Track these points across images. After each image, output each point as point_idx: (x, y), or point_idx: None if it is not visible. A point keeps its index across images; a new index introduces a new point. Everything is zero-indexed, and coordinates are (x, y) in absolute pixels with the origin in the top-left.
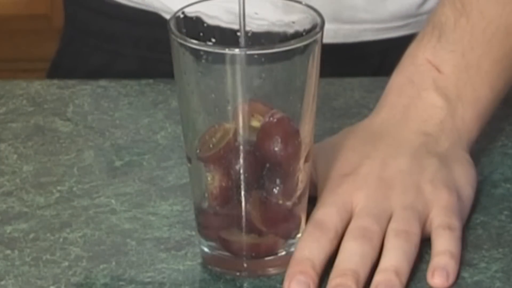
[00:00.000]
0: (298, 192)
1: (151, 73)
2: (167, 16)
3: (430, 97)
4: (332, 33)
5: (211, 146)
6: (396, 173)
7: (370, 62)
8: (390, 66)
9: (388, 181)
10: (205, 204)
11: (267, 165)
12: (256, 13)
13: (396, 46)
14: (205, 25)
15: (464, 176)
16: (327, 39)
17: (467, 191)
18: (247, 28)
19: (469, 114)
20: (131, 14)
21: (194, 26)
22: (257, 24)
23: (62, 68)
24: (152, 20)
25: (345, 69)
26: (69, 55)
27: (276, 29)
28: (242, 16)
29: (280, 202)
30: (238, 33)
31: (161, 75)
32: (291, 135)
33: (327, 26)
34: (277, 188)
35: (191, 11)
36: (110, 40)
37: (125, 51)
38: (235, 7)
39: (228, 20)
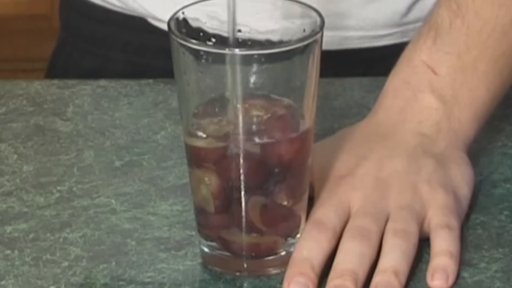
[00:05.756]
0: (299, 192)
1: (139, 77)
2: (154, 22)
3: (426, 99)
4: None
5: (210, 142)
6: (393, 173)
7: (354, 71)
8: (375, 75)
9: (384, 181)
10: (205, 204)
11: (267, 164)
12: (254, 20)
13: (381, 56)
14: (205, 26)
15: (461, 175)
16: None
17: (464, 190)
18: (245, 33)
19: (465, 115)
20: (120, 19)
21: (194, 27)
22: (256, 31)
23: (57, 70)
24: (139, 26)
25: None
26: (62, 58)
27: (276, 37)
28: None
29: (281, 201)
30: (239, 40)
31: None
32: (292, 134)
33: None
34: (277, 187)
35: (190, 17)
36: (100, 44)
37: (114, 55)
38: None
39: (225, 30)
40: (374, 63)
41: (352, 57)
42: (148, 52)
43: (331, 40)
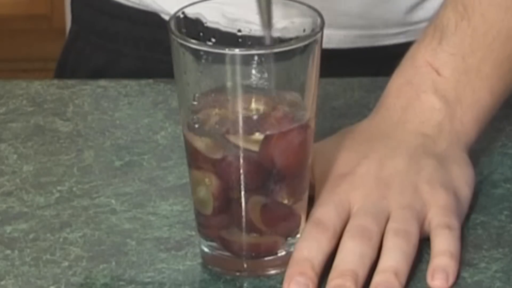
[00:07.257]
0: (299, 191)
1: (151, 73)
2: (166, 18)
3: (428, 99)
4: (327, 39)
5: (210, 142)
6: (394, 173)
7: (368, 69)
8: (386, 74)
9: (385, 181)
10: (205, 205)
11: (267, 163)
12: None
13: (395, 54)
14: (205, 24)
15: (462, 176)
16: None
17: (465, 191)
18: (245, 33)
19: (468, 117)
20: (132, 14)
21: (194, 26)
22: (256, 28)
23: (67, 67)
24: (152, 21)
25: (341, 75)
26: (73, 54)
27: (276, 34)
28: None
29: (281, 200)
30: (240, 39)
31: (161, 75)
32: (292, 134)
33: None
34: (277, 186)
35: (191, 12)
36: (112, 39)
37: (126, 50)
38: (234, 12)
39: (227, 25)
40: (387, 61)
41: (365, 56)
42: (161, 47)
43: (344, 39)
